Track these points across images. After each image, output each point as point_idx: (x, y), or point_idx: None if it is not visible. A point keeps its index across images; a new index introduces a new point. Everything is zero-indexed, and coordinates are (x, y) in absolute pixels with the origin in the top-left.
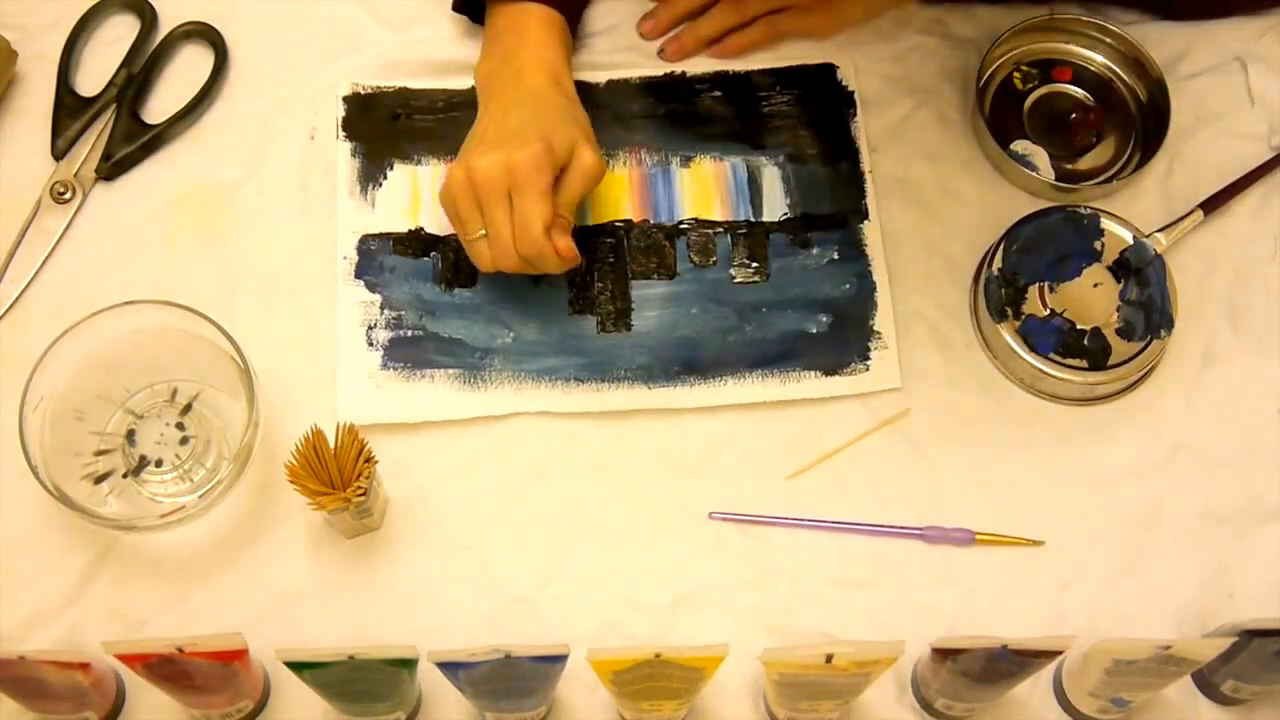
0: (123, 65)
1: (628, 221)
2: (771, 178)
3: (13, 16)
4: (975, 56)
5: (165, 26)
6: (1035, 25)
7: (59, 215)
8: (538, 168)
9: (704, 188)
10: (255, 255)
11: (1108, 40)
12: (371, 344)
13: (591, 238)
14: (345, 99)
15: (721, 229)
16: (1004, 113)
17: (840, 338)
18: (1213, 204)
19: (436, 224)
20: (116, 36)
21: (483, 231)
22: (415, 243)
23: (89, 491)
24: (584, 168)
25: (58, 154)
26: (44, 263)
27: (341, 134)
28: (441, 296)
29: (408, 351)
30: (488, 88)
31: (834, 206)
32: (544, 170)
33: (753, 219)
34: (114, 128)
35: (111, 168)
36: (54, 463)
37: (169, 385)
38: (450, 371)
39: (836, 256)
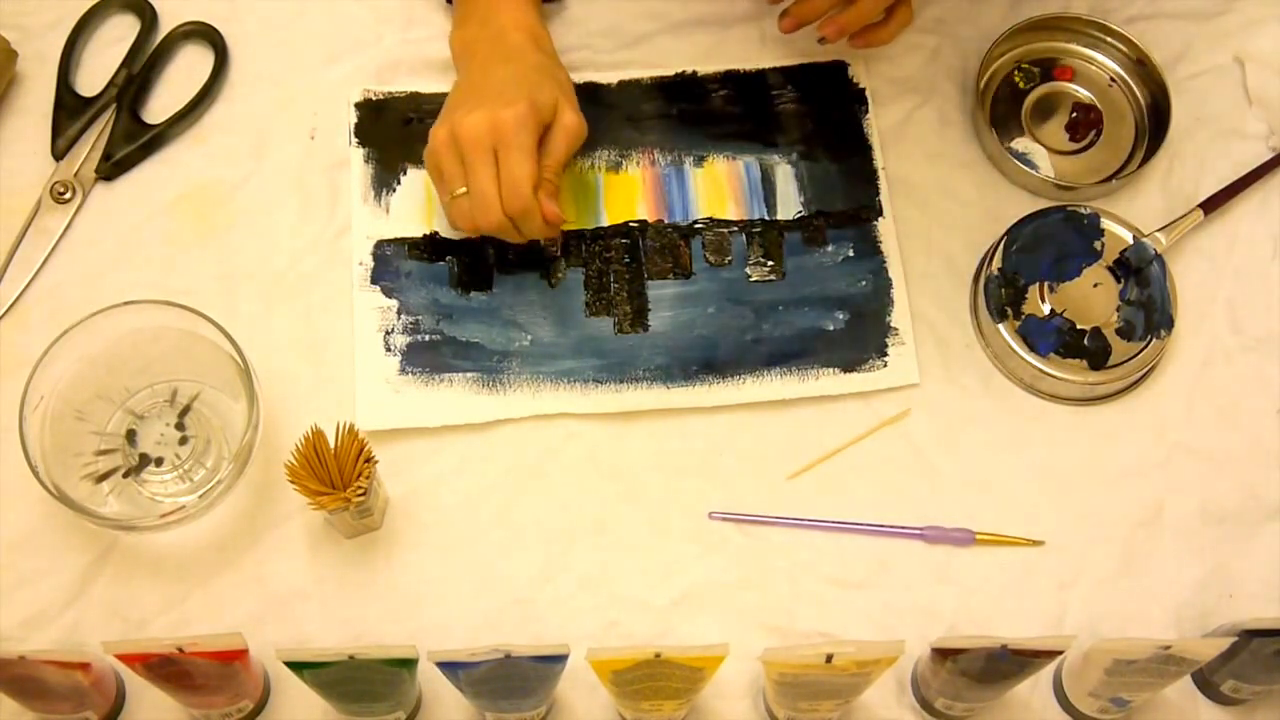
0: (123, 65)
1: (642, 222)
2: (785, 176)
3: (13, 16)
4: (975, 56)
5: (165, 26)
6: (1036, 24)
7: (59, 215)
8: (523, 125)
9: (718, 187)
10: (255, 255)
11: (1108, 40)
12: (389, 349)
13: (607, 238)
14: (357, 105)
15: (736, 228)
16: (1005, 112)
17: (858, 334)
18: (1213, 204)
19: (451, 228)
20: (116, 36)
21: (464, 189)
22: (430, 247)
23: (89, 491)
24: (566, 127)
25: (58, 154)
26: (44, 263)
27: (354, 140)
28: (458, 300)
29: (426, 356)
30: (466, 52)
31: (848, 204)
32: (529, 128)
33: (767, 218)
34: (114, 128)
35: (111, 168)
36: (54, 463)
37: (169, 385)
38: (469, 375)
39: (852, 254)
